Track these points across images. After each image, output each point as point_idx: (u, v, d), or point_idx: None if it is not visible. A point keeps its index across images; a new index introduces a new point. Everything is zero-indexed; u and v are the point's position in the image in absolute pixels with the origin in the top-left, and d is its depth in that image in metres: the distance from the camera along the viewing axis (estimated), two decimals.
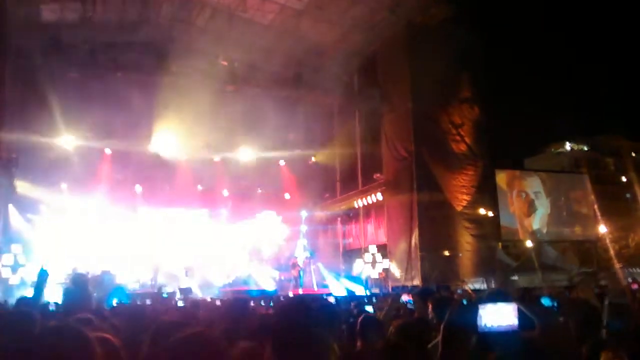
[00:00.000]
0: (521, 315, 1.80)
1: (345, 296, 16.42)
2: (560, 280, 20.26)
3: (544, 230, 22.27)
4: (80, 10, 18.44)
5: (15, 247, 16.72)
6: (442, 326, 1.74)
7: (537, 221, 22.08)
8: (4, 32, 15.30)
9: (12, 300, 12.85)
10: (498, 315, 1.78)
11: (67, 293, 8.72)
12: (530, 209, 21.95)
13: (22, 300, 8.96)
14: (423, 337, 3.89)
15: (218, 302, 10.13)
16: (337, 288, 21.06)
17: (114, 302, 12.44)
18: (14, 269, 16.27)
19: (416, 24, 19.57)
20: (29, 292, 14.89)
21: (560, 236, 23.00)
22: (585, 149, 36.81)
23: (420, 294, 5.32)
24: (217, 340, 2.24)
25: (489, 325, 1.76)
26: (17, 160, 17.84)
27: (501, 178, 21.71)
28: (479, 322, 1.75)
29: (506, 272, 19.80)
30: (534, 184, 22.39)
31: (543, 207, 22.32)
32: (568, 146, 37.97)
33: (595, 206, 23.50)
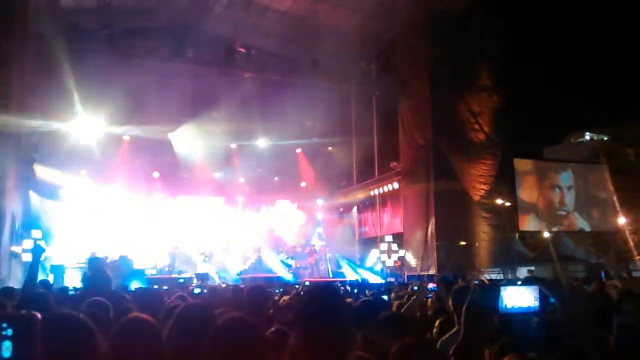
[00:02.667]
0: (542, 297, 1.77)
1: (360, 284, 16.43)
2: (577, 272, 20.09)
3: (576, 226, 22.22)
4: None
5: (35, 232, 16.91)
6: (463, 307, 1.72)
7: (575, 215, 22.00)
8: (25, 18, 15.39)
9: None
10: (519, 297, 1.75)
11: (84, 278, 8.82)
12: (562, 206, 21.85)
13: (41, 283, 9.08)
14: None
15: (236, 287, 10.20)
16: (353, 276, 21.10)
17: (133, 286, 12.56)
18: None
19: (436, 10, 19.36)
20: (50, 277, 15.12)
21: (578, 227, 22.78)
22: (605, 138, 36.24)
23: (443, 281, 5.28)
24: (258, 324, 2.25)
25: (510, 306, 1.74)
26: (36, 145, 18.04)
27: (524, 165, 21.54)
28: (500, 304, 1.73)
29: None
30: (565, 178, 22.15)
31: (572, 201, 22.19)
32: (588, 136, 37.41)
33: (615, 197, 23.17)
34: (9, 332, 1.14)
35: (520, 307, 1.76)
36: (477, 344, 1.67)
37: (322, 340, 1.75)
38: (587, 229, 22.54)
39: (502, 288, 1.74)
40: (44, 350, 1.58)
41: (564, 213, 22.02)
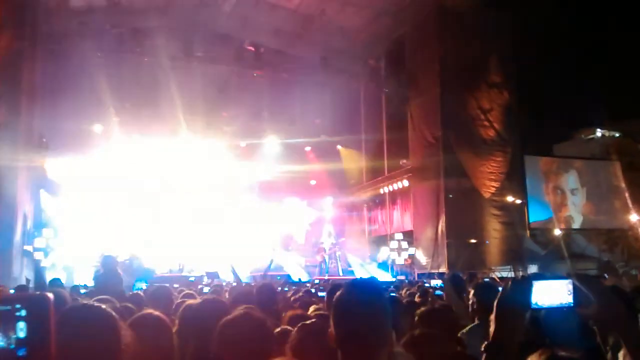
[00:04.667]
0: (576, 292, 1.73)
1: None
2: (589, 269, 19.94)
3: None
4: None
5: (46, 231, 17.01)
6: (495, 303, 1.68)
7: (575, 222, 21.88)
8: (35, 18, 15.47)
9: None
10: (552, 292, 1.71)
11: (97, 276, 8.85)
12: (566, 209, 21.72)
13: (54, 281, 9.14)
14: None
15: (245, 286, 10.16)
16: (363, 274, 21.05)
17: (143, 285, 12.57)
18: (46, 252, 16.57)
19: (445, 7, 19.25)
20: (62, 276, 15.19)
21: (590, 224, 22.60)
22: (617, 135, 35.96)
23: (452, 280, 5.22)
24: (265, 320, 2.24)
25: (541, 302, 1.69)
26: (47, 144, 18.14)
27: (538, 163, 21.42)
28: (532, 299, 1.68)
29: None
30: (570, 181, 21.98)
31: (578, 203, 22.00)
32: (599, 132, 37.12)
33: (627, 194, 22.97)
34: (23, 312, 1.16)
35: (553, 303, 1.71)
36: (509, 340, 1.63)
37: (357, 336, 1.72)
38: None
39: (534, 282, 1.69)
40: (69, 340, 1.56)
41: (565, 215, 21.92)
